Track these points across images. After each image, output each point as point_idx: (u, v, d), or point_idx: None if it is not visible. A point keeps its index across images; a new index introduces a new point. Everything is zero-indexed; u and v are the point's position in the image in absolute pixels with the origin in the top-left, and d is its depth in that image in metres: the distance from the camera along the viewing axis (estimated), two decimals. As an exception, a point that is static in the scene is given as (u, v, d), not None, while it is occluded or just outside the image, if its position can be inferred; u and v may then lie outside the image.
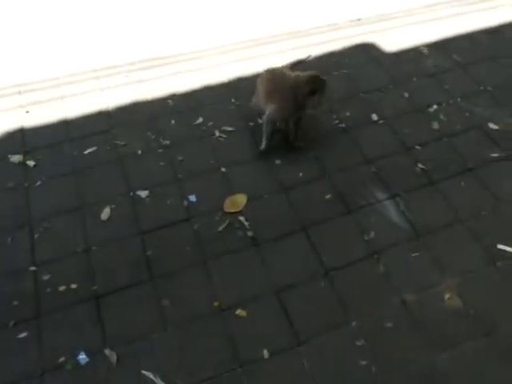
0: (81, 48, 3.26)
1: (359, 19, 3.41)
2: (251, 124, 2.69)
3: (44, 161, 2.56)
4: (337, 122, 2.71)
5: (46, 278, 2.09)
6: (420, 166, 2.48)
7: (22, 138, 2.67)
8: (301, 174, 2.45)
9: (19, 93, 2.94)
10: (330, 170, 2.48)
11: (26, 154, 2.59)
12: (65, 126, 2.74)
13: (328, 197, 2.35)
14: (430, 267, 2.10)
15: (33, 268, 2.13)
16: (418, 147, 2.57)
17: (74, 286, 2.06)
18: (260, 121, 2.59)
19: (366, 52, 3.18)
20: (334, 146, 2.59)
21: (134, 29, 3.40)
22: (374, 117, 2.73)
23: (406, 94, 2.87)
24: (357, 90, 2.90)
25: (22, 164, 2.54)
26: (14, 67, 3.12)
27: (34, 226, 2.28)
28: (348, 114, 2.75)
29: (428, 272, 2.09)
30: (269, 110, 2.43)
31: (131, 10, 3.59)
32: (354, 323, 1.92)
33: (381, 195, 2.35)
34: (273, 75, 2.50)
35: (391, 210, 2.29)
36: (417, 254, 2.14)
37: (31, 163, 2.54)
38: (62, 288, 2.06)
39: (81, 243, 2.20)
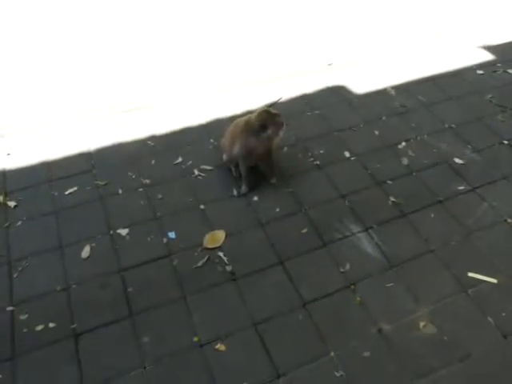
0: (64, 91, 3.37)
1: (330, 64, 3.61)
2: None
3: (25, 201, 2.58)
4: (311, 159, 2.83)
5: (23, 317, 2.08)
6: (392, 199, 2.58)
7: (3, 179, 2.70)
8: (277, 210, 2.53)
9: (2, 136, 3.00)
10: (305, 205, 2.56)
11: (7, 194, 2.62)
12: (46, 166, 2.79)
13: (304, 231, 2.42)
14: (404, 296, 2.16)
15: (10, 308, 2.12)
16: (389, 182, 2.69)
17: (52, 325, 2.05)
18: (233, 169, 2.69)
19: (337, 93, 3.35)
20: (309, 182, 2.69)
21: (115, 73, 3.53)
22: (347, 154, 2.86)
23: (377, 132, 3.02)
24: (329, 128, 3.05)
25: (3, 204, 2.56)
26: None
27: (13, 266, 2.28)
28: (322, 151, 2.88)
29: (403, 301, 2.14)
30: (235, 152, 2.53)
31: (114, 55, 3.73)
32: (332, 354, 1.95)
33: (355, 228, 2.44)
34: (232, 126, 2.61)
35: (365, 242, 2.37)
36: (391, 283, 2.20)
37: (12, 204, 2.57)
38: (39, 327, 2.04)
39: (60, 282, 2.21)
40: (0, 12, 4.34)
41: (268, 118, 2.43)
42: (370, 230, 2.43)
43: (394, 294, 2.16)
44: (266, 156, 2.59)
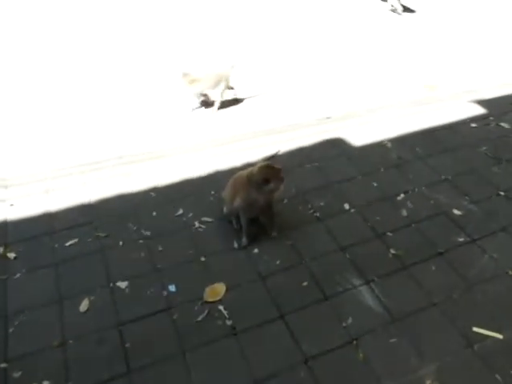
0: (66, 143, 3.44)
1: (328, 117, 3.72)
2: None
3: (25, 253, 2.58)
4: (311, 211, 2.85)
5: (16, 375, 2.03)
6: (392, 251, 2.59)
7: (4, 231, 2.71)
8: (278, 262, 2.52)
9: (5, 186, 3.03)
10: (306, 257, 2.56)
11: (7, 246, 2.62)
12: (48, 218, 2.81)
13: (305, 284, 2.41)
14: (408, 352, 2.12)
15: (3, 365, 2.07)
16: (389, 233, 2.70)
17: (46, 383, 2.00)
18: (233, 221, 2.71)
19: (335, 146, 3.43)
20: (310, 234, 2.70)
21: (119, 125, 3.62)
22: (346, 206, 2.89)
23: (375, 184, 3.06)
24: (328, 180, 3.10)
25: (3, 256, 2.55)
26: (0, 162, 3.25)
27: (10, 320, 2.24)
28: (322, 203, 2.91)
29: (407, 357, 2.10)
30: (236, 204, 2.56)
31: (116, 108, 3.84)
32: (335, 413, 1.89)
33: (356, 281, 2.42)
34: (233, 180, 2.66)
35: (367, 296, 2.35)
36: (395, 339, 2.17)
37: (12, 255, 2.56)
38: (33, 386, 1.99)
39: (57, 337, 2.17)
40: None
41: (269, 173, 2.47)
42: (371, 283, 2.41)
43: (397, 350, 2.12)
44: (267, 209, 2.61)
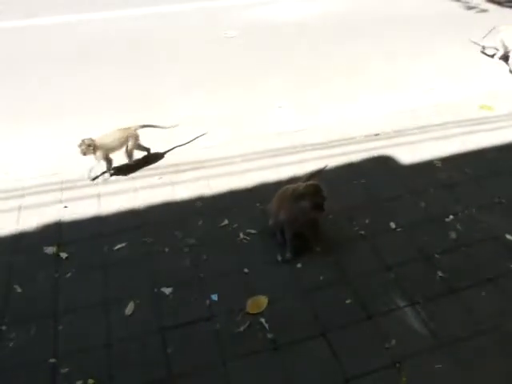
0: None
1: (377, 134, 3.68)
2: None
3: (76, 254, 2.69)
4: (356, 228, 2.82)
5: (64, 371, 2.10)
6: (440, 274, 2.51)
7: (58, 231, 2.84)
8: (321, 278, 2.50)
9: (61, 189, 3.18)
10: (349, 275, 2.53)
11: (60, 246, 2.73)
12: (98, 222, 2.92)
13: (348, 301, 2.37)
14: (454, 380, 2.04)
15: (52, 360, 2.15)
16: (436, 256, 2.62)
17: (91, 381, 2.06)
18: (278, 234, 2.70)
19: (382, 163, 3.39)
20: (354, 252, 2.67)
21: (167, 135, 3.73)
22: (392, 225, 2.84)
23: (423, 204, 2.99)
24: (375, 198, 3.05)
25: (56, 255, 2.67)
26: (58, 166, 3.41)
27: (60, 318, 2.33)
28: (367, 221, 2.87)
29: (454, 385, 2.02)
30: (281, 218, 2.57)
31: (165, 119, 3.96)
32: None
33: (401, 302, 2.37)
34: (279, 193, 2.67)
35: (412, 318, 2.29)
36: (440, 365, 2.09)
37: (64, 255, 2.67)
38: (78, 383, 2.05)
39: (103, 338, 2.23)
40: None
41: (314, 192, 2.47)
42: (416, 305, 2.35)
43: (443, 377, 2.05)
44: (312, 224, 2.60)
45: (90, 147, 3.12)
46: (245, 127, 3.87)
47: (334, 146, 3.56)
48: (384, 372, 2.07)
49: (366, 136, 3.67)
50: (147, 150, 3.47)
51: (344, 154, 3.47)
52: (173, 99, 4.34)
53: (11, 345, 2.21)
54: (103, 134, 3.24)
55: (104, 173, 3.29)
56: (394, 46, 5.31)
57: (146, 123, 3.38)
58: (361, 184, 3.19)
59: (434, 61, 5.00)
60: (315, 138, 3.65)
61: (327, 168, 3.22)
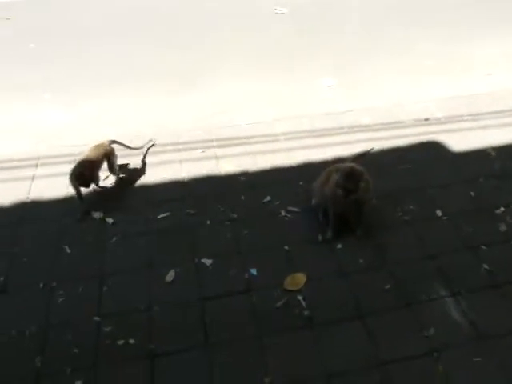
0: (165, 122, 3.62)
1: (427, 119, 3.56)
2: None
3: (121, 220, 2.77)
4: (400, 214, 2.76)
5: (107, 329, 2.19)
6: (485, 266, 2.43)
7: (105, 198, 2.93)
8: (361, 261, 2.48)
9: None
10: (390, 260, 2.49)
11: (107, 211, 2.83)
12: (143, 190, 2.99)
13: (387, 287, 2.34)
14: (494, 375, 1.99)
15: (97, 319, 2.24)
16: (483, 247, 2.54)
17: (132, 341, 2.14)
18: (320, 214, 2.69)
19: (431, 149, 3.28)
20: (397, 238, 2.62)
21: (213, 108, 3.75)
22: (439, 212, 2.76)
23: (472, 193, 2.89)
24: (421, 184, 2.97)
25: (102, 220, 2.76)
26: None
27: (104, 279, 2.43)
28: (412, 207, 2.80)
29: (491, 380, 1.98)
30: (325, 198, 2.56)
31: (213, 93, 3.98)
32: (408, 424, 1.83)
33: (442, 291, 2.31)
34: (325, 173, 2.64)
35: (453, 308, 2.24)
36: (479, 358, 2.04)
37: (110, 220, 2.77)
38: (120, 342, 2.14)
39: (144, 301, 2.31)
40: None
41: (351, 175, 2.42)
42: (458, 296, 2.29)
43: (482, 371, 2.00)
44: (355, 206, 2.57)
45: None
46: (291, 105, 3.82)
47: (381, 129, 3.47)
48: (420, 360, 2.04)
49: (415, 120, 3.55)
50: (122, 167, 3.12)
51: (392, 137, 3.38)
52: (218, 74, 4.34)
53: (60, 300, 2.33)
54: (84, 153, 2.93)
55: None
56: (452, 29, 5.07)
57: (115, 139, 3.08)
58: (407, 169, 3.10)
59: (493, 45, 4.74)
60: (363, 120, 3.57)
61: (373, 151, 3.16)
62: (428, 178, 3.02)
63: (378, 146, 3.23)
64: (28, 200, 2.96)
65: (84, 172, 2.78)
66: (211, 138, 3.41)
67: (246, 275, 2.41)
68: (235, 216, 2.76)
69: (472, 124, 3.51)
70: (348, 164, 2.60)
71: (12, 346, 2.15)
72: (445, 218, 2.73)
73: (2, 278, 2.46)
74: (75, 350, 2.11)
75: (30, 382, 2.00)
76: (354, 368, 2.02)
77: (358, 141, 3.29)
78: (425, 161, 3.16)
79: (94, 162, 2.86)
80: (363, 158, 2.91)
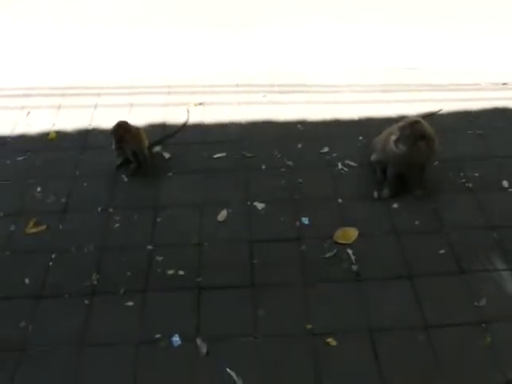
0: (226, 62, 3.57)
1: (505, 83, 3.31)
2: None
3: (178, 156, 2.80)
4: (463, 180, 2.64)
5: (159, 258, 2.27)
6: (549, 243, 2.31)
7: (162, 132, 2.95)
8: (416, 223, 2.41)
9: (168, 93, 3.27)
10: (447, 225, 2.40)
11: (164, 146, 2.86)
12: (201, 129, 2.99)
13: (441, 252, 2.28)
14: (542, 353, 1.93)
15: (150, 247, 2.32)
16: (549, 224, 2.41)
17: (181, 272, 2.21)
18: (378, 171, 2.62)
19: (505, 117, 3.07)
20: (457, 204, 2.52)
21: (276, 53, 3.63)
22: (505, 183, 2.61)
23: (545, 167, 2.71)
24: (489, 152, 2.81)
25: (160, 155, 2.80)
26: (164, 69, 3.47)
27: (158, 211, 2.49)
28: (476, 174, 2.66)
29: (541, 357, 1.92)
30: (385, 155, 2.47)
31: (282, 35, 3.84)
32: (447, 387, 1.83)
33: (499, 264, 2.22)
34: (389, 129, 2.52)
35: (509, 282, 2.16)
36: (530, 334, 1.98)
37: (167, 155, 2.80)
38: (170, 272, 2.22)
39: (195, 236, 2.37)
40: None
41: (421, 131, 2.30)
42: (515, 271, 2.21)
43: (531, 347, 1.95)
44: (417, 166, 2.47)
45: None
46: (357, 58, 3.64)
47: (452, 90, 3.27)
48: (467, 328, 2.00)
49: (491, 84, 3.32)
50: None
51: (463, 99, 3.18)
52: (285, 17, 4.16)
53: (115, 226, 2.43)
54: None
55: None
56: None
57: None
58: (476, 135, 2.93)
59: None
60: (432, 79, 3.37)
61: (441, 112, 3.00)
62: (497, 147, 2.84)
63: (447, 107, 3.06)
64: (90, 127, 3.03)
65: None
66: (272, 83, 3.33)
67: (297, 223, 2.41)
68: (291, 164, 2.72)
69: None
70: (415, 117, 2.47)
71: (71, 261, 2.27)
72: (511, 189, 2.59)
73: (64, 200, 2.57)
74: (128, 273, 2.21)
75: (87, 297, 2.12)
76: (398, 327, 2.01)
77: (427, 100, 3.13)
78: (496, 128, 2.97)
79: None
80: (430, 118, 2.77)
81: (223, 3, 4.37)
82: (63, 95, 3.27)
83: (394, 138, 2.33)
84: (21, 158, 2.83)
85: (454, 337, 1.98)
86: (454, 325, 2.02)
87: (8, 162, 2.82)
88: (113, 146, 2.63)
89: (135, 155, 2.67)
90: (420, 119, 2.42)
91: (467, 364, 1.90)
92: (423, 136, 2.30)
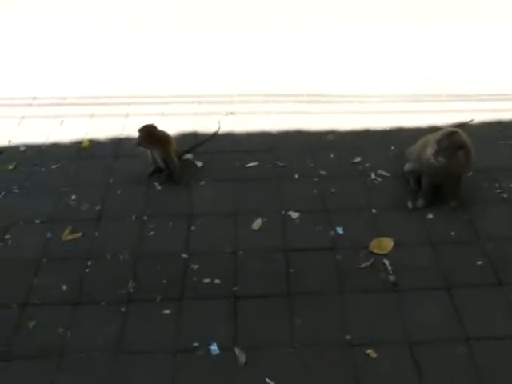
0: (256, 72, 3.60)
1: (536, 93, 3.29)
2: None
3: (210, 164, 2.82)
4: (498, 191, 2.61)
5: (194, 267, 2.28)
6: None
7: (195, 141, 2.98)
8: (452, 234, 2.39)
9: (199, 102, 3.30)
10: (483, 236, 2.38)
11: (196, 154, 2.89)
12: (232, 138, 3.02)
13: (479, 263, 2.25)
14: None
15: (185, 255, 2.34)
16: None
17: (217, 281, 2.22)
18: (412, 181, 2.61)
19: (539, 128, 3.04)
20: (492, 214, 2.49)
21: (307, 63, 3.66)
22: (541, 194, 2.59)
23: None
24: (524, 164, 2.78)
25: (192, 163, 2.83)
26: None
27: (192, 219, 2.51)
28: (511, 185, 2.64)
29: None
30: (421, 165, 2.46)
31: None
32: (489, 402, 1.80)
33: (539, 277, 2.20)
34: (425, 139, 2.52)
35: (549, 295, 2.13)
36: None
37: (199, 163, 2.83)
38: (206, 280, 2.22)
39: (230, 245, 2.37)
40: None
41: (459, 141, 2.29)
42: (555, 284, 2.17)
43: None
44: (453, 177, 2.45)
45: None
46: (387, 68, 3.65)
47: (483, 100, 3.25)
48: (509, 342, 1.97)
49: (523, 94, 3.30)
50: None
51: (494, 110, 3.16)
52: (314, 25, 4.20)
53: (150, 234, 2.45)
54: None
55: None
56: None
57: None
58: (508, 145, 2.91)
59: None
60: (463, 89, 3.36)
61: (472, 122, 2.98)
62: (532, 158, 2.82)
63: (478, 117, 3.04)
64: (122, 136, 3.08)
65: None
66: (302, 93, 3.35)
67: (332, 233, 2.40)
68: (324, 173, 2.73)
69: None
70: (452, 128, 2.46)
71: (107, 269, 2.29)
72: (547, 200, 2.56)
73: (98, 207, 2.60)
74: (164, 281, 2.22)
75: (123, 305, 2.13)
76: (438, 339, 1.98)
77: (457, 110, 3.12)
78: (530, 139, 2.95)
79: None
80: (461, 128, 2.75)
81: (255, 13, 4.42)
82: (95, 104, 3.32)
83: (431, 150, 2.32)
84: (55, 166, 2.88)
85: (496, 350, 1.94)
86: (494, 338, 1.99)
87: (43, 169, 2.87)
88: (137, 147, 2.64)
89: (166, 163, 2.69)
90: (457, 129, 2.41)
91: (509, 377, 1.86)
92: (461, 146, 2.28)
